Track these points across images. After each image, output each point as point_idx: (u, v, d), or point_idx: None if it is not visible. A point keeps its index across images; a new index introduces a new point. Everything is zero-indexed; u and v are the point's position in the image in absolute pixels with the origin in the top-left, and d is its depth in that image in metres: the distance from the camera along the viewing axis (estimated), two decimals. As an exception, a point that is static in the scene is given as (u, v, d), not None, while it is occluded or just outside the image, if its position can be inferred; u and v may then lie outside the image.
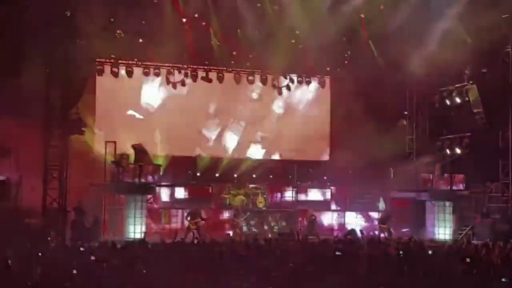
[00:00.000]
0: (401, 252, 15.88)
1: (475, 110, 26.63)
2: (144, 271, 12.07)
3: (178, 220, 25.84)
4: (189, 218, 23.92)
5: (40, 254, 14.51)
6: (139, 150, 24.16)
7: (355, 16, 26.24)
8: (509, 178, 25.61)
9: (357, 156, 27.45)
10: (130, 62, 27.78)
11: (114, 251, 15.40)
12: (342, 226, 27.79)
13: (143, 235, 22.75)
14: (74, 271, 11.69)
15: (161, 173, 24.87)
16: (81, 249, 16.60)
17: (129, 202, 23.60)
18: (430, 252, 16.42)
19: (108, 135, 26.04)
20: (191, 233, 23.36)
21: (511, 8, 24.43)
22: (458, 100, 27.42)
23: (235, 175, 28.85)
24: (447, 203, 26.57)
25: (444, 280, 11.48)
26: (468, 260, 13.70)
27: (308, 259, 13.94)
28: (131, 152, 24.26)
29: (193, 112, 29.39)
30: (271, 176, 29.15)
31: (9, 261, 12.89)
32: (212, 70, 29.02)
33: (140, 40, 26.42)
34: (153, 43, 26.49)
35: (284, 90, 30.32)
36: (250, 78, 29.56)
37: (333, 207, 28.68)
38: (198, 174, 28.54)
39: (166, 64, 28.32)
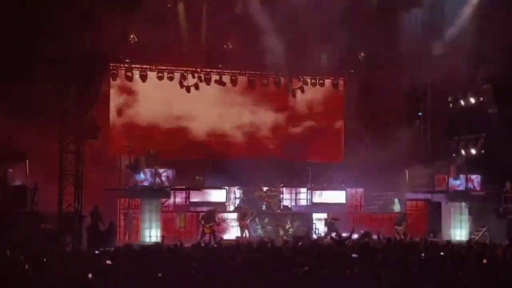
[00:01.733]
0: (423, 254, 15.82)
1: (490, 110, 26.52)
2: (160, 274, 12.10)
3: (194, 224, 25.88)
4: (203, 222, 23.96)
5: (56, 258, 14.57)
6: (150, 156, 24.24)
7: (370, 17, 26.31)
8: (525, 179, 25.52)
9: (372, 158, 27.41)
10: (144, 66, 27.93)
11: (129, 255, 15.43)
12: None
13: (158, 238, 22.84)
14: (90, 275, 11.74)
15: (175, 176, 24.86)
16: (97, 252, 16.70)
17: (144, 206, 23.68)
18: (445, 253, 16.34)
19: (123, 139, 26.20)
20: (206, 236, 23.42)
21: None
22: (472, 100, 27.31)
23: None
24: (463, 204, 26.45)
25: (461, 281, 11.40)
26: (485, 261, 13.62)
27: (324, 262, 13.89)
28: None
29: (206, 115, 29.60)
30: (285, 179, 29.10)
31: (26, 266, 12.98)
32: (226, 74, 29.10)
33: (154, 44, 26.62)
34: (167, 47, 26.62)
35: (298, 92, 30.31)
36: (264, 80, 29.59)
37: (348, 209, 28.55)
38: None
39: (180, 68, 28.41)
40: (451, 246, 18.37)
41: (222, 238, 23.43)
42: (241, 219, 25.65)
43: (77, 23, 22.63)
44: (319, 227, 26.87)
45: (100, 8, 22.83)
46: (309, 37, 27.53)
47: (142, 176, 23.41)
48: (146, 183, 23.50)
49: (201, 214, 24.73)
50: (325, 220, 26.38)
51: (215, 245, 20.12)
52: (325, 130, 31.29)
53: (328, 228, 26.08)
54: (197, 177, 27.47)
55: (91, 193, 22.89)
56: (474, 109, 27.44)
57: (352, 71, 30.40)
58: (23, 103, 22.66)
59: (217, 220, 24.14)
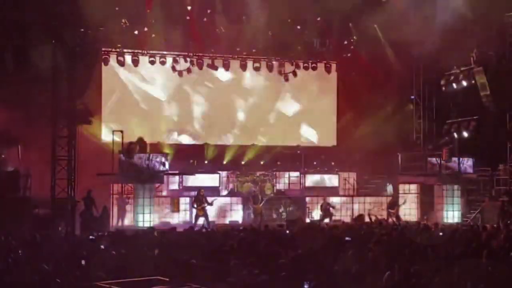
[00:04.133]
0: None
1: (482, 93, 26.55)
2: (153, 259, 12.15)
3: (187, 208, 25.84)
4: (195, 205, 23.94)
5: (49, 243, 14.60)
6: (142, 141, 24.12)
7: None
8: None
9: (365, 141, 27.47)
10: (136, 51, 27.82)
11: (122, 240, 15.47)
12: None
13: (152, 223, 22.85)
14: (83, 262, 11.78)
15: (168, 162, 24.84)
16: (91, 237, 16.73)
17: (138, 191, 23.67)
18: (439, 234, 16.47)
19: (115, 124, 26.13)
20: (200, 219, 23.45)
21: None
22: (464, 83, 27.34)
23: (243, 162, 28.90)
24: (455, 187, 26.57)
25: (449, 264, 11.48)
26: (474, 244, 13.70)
27: (317, 245, 13.97)
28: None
29: (199, 100, 29.64)
30: (278, 163, 29.14)
31: (19, 252, 13.00)
32: (218, 58, 29.02)
33: (145, 29, 26.54)
34: (159, 32, 26.52)
35: (290, 76, 30.25)
36: (256, 65, 29.53)
37: (341, 193, 28.64)
38: (205, 162, 28.52)
39: (172, 52, 28.33)
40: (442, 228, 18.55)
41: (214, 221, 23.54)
42: (254, 204, 25.58)
43: (68, 8, 22.51)
44: (313, 210, 26.95)
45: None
46: (304, 20, 27.56)
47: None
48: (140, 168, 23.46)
49: (193, 197, 24.76)
50: (321, 204, 26.48)
51: (208, 229, 20.18)
52: (318, 114, 31.29)
53: (323, 212, 26.19)
54: (191, 161, 27.51)
55: (84, 178, 22.84)
56: (467, 92, 27.48)
57: (345, 55, 30.32)
58: (15, 88, 22.59)
59: (208, 201, 23.98)
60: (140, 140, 24.23)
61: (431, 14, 26.38)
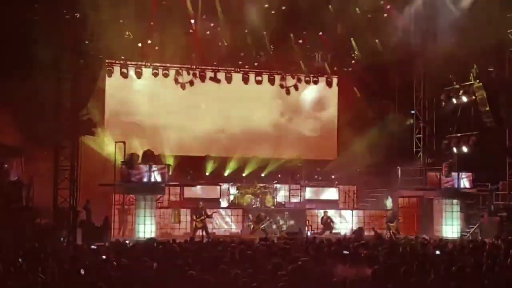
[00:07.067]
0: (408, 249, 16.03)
1: (482, 109, 26.70)
2: (153, 270, 12.25)
3: (187, 219, 25.93)
4: (194, 217, 24.04)
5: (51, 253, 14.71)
6: (149, 155, 24.20)
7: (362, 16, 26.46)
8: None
9: (365, 155, 27.60)
10: (139, 63, 28.04)
11: (123, 251, 15.58)
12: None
13: (152, 234, 22.93)
14: (82, 271, 11.88)
15: (170, 173, 25.01)
16: (92, 247, 16.83)
17: (139, 201, 23.78)
18: (437, 251, 16.52)
19: (118, 135, 26.29)
20: (199, 231, 23.53)
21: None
22: (464, 99, 27.51)
23: (243, 175, 29.06)
24: (454, 202, 26.64)
25: (451, 278, 11.57)
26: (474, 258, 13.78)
27: (316, 258, 14.07)
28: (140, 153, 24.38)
29: (201, 112, 29.82)
30: (279, 175, 29.31)
31: (20, 260, 13.11)
32: (220, 71, 29.25)
33: (149, 41, 26.77)
34: (162, 44, 26.74)
35: (292, 90, 30.48)
36: (258, 78, 29.76)
37: (341, 205, 28.76)
38: (207, 173, 28.67)
39: (175, 65, 28.56)
40: (444, 243, 18.60)
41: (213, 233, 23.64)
42: (256, 224, 25.62)
43: (73, 20, 22.76)
44: (313, 223, 27.03)
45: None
46: (304, 35, 27.83)
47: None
48: (141, 179, 23.55)
49: (191, 209, 24.88)
50: (321, 217, 26.59)
51: (209, 240, 20.30)
52: (319, 128, 31.49)
53: (324, 225, 26.32)
54: (191, 171, 27.69)
55: (86, 188, 22.95)
56: (466, 108, 27.66)
57: (346, 69, 30.55)
58: (18, 99, 22.76)
59: (208, 213, 24.09)
60: (145, 153, 24.32)
61: (432, 30, 26.65)
